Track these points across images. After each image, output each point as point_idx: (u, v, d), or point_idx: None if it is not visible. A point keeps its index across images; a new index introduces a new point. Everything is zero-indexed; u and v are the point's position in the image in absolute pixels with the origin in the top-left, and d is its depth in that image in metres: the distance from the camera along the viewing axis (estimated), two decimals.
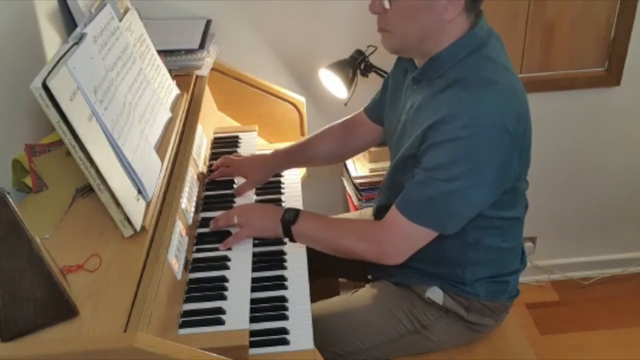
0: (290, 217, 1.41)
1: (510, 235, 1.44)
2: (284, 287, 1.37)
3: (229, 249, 1.43)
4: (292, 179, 1.78)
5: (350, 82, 1.92)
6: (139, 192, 1.23)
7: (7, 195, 0.92)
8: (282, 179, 1.76)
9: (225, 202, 1.61)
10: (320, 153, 1.73)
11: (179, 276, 1.27)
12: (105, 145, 1.17)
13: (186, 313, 1.25)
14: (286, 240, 1.48)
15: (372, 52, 1.92)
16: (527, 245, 2.47)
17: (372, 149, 1.93)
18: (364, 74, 1.95)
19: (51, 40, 1.56)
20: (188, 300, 1.28)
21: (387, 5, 1.28)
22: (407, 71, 1.45)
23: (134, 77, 1.42)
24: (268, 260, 1.45)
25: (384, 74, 1.90)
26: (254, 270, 1.40)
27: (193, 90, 1.76)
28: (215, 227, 1.48)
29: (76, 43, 1.22)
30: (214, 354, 1.02)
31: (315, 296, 1.38)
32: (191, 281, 1.33)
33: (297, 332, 1.25)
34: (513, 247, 1.46)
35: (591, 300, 2.50)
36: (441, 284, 1.45)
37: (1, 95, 1.33)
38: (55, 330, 1.01)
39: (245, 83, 1.97)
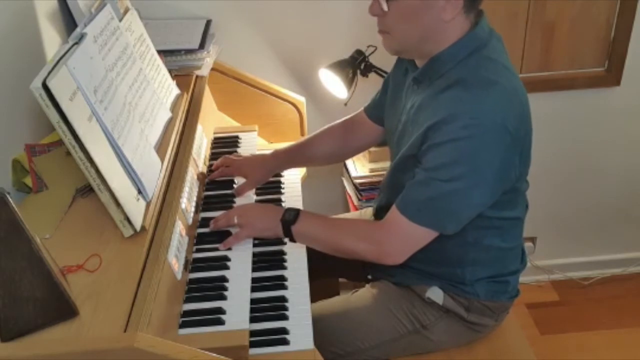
0: (290, 217, 1.41)
1: (511, 235, 1.44)
2: (284, 287, 1.37)
3: (229, 249, 1.43)
4: (292, 179, 1.78)
5: (350, 82, 1.92)
6: (139, 192, 1.23)
7: (7, 195, 0.92)
8: (282, 179, 1.76)
9: (225, 202, 1.61)
10: (320, 153, 1.73)
11: (179, 276, 1.27)
12: (105, 145, 1.17)
13: (186, 313, 1.25)
14: (286, 240, 1.48)
15: (372, 52, 1.92)
16: (527, 245, 2.47)
17: (372, 149, 1.93)
18: (364, 74, 1.95)
19: (51, 40, 1.56)
20: (188, 300, 1.28)
21: (385, 7, 1.28)
22: (407, 71, 1.45)
23: (134, 77, 1.42)
24: (268, 260, 1.45)
25: (384, 74, 1.90)
26: (254, 270, 1.40)
27: (193, 90, 1.76)
28: (215, 227, 1.48)
29: (76, 43, 1.22)
30: (214, 354, 1.02)
31: (315, 296, 1.38)
32: (191, 281, 1.33)
33: (297, 332, 1.25)
34: (513, 247, 1.46)
35: (591, 300, 2.50)
36: (441, 284, 1.45)
37: (1, 95, 1.33)
38: (55, 330, 1.01)
39: (245, 83, 1.97)
